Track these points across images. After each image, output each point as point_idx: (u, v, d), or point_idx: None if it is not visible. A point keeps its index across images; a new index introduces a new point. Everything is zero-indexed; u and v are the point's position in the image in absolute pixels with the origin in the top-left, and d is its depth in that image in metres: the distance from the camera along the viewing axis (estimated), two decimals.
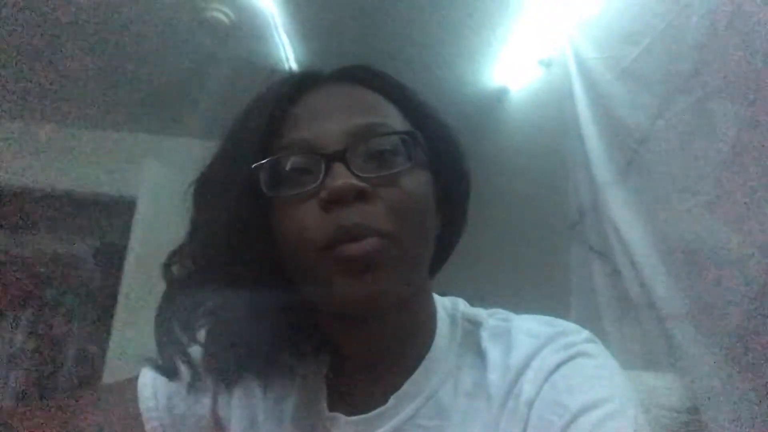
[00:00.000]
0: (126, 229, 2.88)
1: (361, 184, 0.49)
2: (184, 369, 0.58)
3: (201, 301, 0.56)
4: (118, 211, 3.05)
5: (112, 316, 2.76)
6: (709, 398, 1.05)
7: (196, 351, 0.58)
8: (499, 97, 2.61)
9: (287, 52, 2.27)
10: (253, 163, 0.52)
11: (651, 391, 1.01)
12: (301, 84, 0.58)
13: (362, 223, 0.48)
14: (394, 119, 0.57)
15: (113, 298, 2.83)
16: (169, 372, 0.58)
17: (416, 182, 0.53)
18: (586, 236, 1.62)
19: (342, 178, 0.48)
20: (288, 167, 0.52)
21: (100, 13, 2.10)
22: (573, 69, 1.79)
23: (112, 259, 3.22)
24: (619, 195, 1.47)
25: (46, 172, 2.97)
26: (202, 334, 0.57)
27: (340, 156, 0.50)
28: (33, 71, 2.55)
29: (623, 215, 1.43)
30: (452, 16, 2.11)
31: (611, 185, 1.50)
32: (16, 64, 2.48)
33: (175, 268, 0.57)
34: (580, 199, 1.68)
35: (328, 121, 0.53)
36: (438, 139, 0.59)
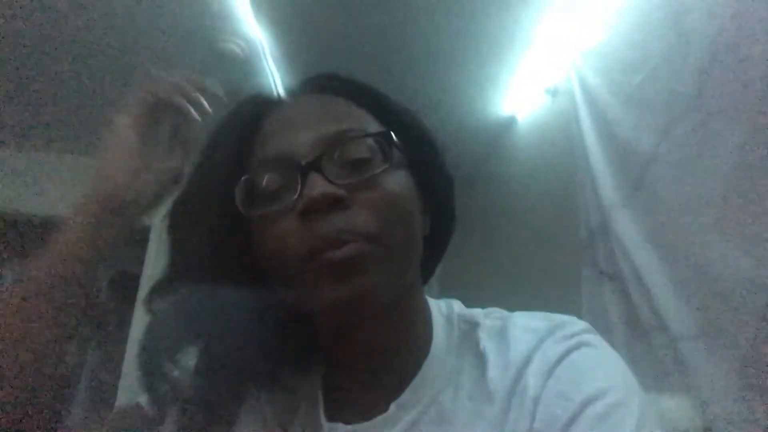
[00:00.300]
0: (140, 258, 2.90)
1: (339, 191, 0.48)
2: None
3: (186, 329, 0.54)
4: (132, 240, 3.07)
5: (125, 345, 2.77)
6: (721, 420, 1.04)
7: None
8: (507, 125, 2.64)
9: (276, 81, 2.30)
10: (226, 185, 0.51)
11: (663, 414, 1.00)
12: (269, 100, 0.58)
13: (343, 229, 0.47)
14: (367, 123, 0.55)
15: (126, 326, 2.84)
16: (158, 403, 0.55)
17: (395, 182, 0.52)
18: (596, 259, 1.63)
19: (318, 187, 0.47)
20: (263, 184, 0.51)
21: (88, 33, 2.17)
22: (579, 96, 1.83)
23: (126, 287, 3.24)
24: (627, 217, 1.48)
25: (63, 199, 3.02)
26: (188, 364, 0.55)
27: (315, 165, 0.49)
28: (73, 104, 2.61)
29: (632, 237, 1.44)
30: (459, 47, 2.15)
31: (619, 208, 1.52)
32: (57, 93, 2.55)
33: (156, 303, 0.55)
34: (589, 223, 1.69)
35: (298, 132, 0.52)
36: (414, 138, 0.58)
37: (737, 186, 1.09)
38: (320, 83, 0.60)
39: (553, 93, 2.18)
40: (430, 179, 0.58)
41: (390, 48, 2.12)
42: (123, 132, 0.61)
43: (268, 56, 2.18)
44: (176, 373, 0.54)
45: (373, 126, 0.56)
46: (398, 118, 0.58)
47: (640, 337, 1.33)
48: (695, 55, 1.24)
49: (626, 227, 1.47)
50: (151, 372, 0.53)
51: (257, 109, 0.57)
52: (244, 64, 2.11)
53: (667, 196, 1.32)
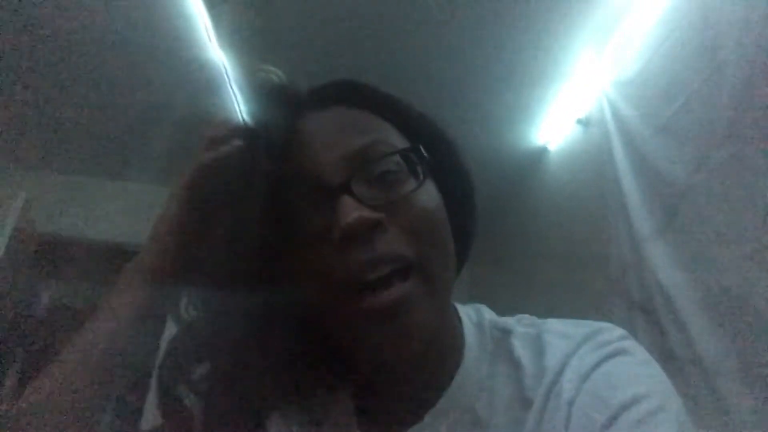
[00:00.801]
0: None
1: (374, 215, 0.45)
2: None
3: (205, 346, 0.53)
4: None
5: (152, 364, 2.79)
6: None
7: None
8: (539, 155, 2.64)
9: (239, 106, 2.26)
10: (254, 202, 0.49)
11: None
12: (290, 113, 0.55)
13: (385, 252, 0.45)
14: (391, 136, 0.53)
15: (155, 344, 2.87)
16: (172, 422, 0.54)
17: (428, 200, 0.50)
18: (629, 292, 1.60)
19: (352, 212, 0.45)
20: (292, 209, 0.49)
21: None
22: (611, 127, 1.82)
23: None
24: (661, 249, 1.45)
25: (97, 224, 3.11)
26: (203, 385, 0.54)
27: (345, 188, 0.46)
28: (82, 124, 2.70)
29: (666, 269, 1.41)
30: (492, 76, 2.18)
31: (652, 240, 1.49)
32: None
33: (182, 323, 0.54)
34: (621, 255, 1.66)
35: (325, 151, 0.49)
36: (437, 149, 0.56)
37: None
38: (339, 94, 0.56)
39: (585, 123, 2.17)
40: (454, 191, 0.56)
41: (422, 75, 2.14)
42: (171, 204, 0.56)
43: (232, 81, 2.18)
44: (191, 394, 0.53)
45: (397, 138, 0.54)
46: (419, 127, 0.57)
47: (674, 372, 1.29)
48: (730, 85, 1.23)
49: (660, 259, 1.45)
50: (167, 392, 0.52)
51: (284, 120, 0.54)
52: (208, 90, 2.12)
53: (703, 228, 1.29)
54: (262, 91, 0.57)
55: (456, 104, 2.28)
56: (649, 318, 1.47)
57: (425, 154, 0.51)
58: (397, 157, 0.50)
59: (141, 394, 0.58)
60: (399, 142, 0.53)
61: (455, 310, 0.60)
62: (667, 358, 1.33)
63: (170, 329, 0.57)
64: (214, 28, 2.01)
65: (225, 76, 2.18)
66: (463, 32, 1.95)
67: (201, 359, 0.53)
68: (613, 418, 0.43)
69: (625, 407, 0.43)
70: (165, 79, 2.21)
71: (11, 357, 3.11)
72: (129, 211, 2.97)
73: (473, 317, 0.60)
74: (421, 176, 0.50)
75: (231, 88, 2.22)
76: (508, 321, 0.59)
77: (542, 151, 2.62)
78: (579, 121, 2.21)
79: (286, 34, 2.07)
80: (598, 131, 1.98)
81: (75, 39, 2.15)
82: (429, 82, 2.17)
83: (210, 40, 2.06)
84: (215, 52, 2.11)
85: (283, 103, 0.55)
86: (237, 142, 0.54)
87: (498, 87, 2.24)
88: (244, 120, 0.57)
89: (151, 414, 0.58)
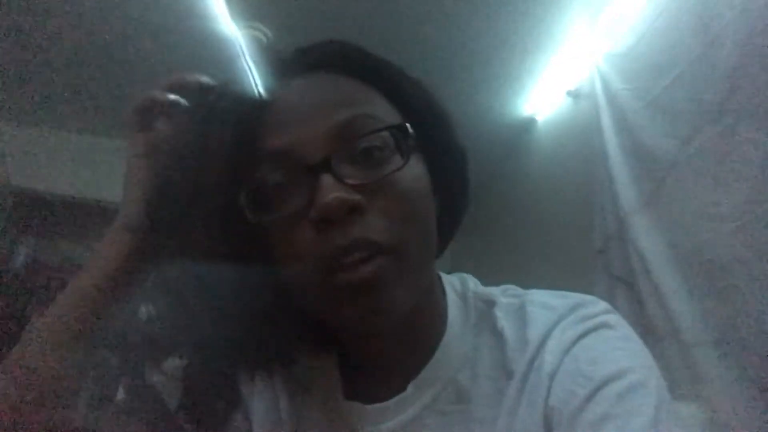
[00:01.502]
0: None
1: (354, 198, 0.44)
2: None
3: (180, 333, 0.53)
4: None
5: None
6: (732, 429, 1.03)
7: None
8: (527, 126, 2.63)
9: (256, 81, 2.26)
10: (227, 183, 0.47)
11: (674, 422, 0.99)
12: (266, 82, 0.53)
13: (360, 237, 0.44)
14: (379, 108, 0.50)
15: (135, 310, 2.85)
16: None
17: (412, 180, 0.48)
18: (611, 264, 1.62)
19: (331, 191, 0.43)
20: (269, 184, 0.47)
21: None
22: (601, 100, 1.81)
23: None
24: (645, 223, 1.47)
25: (75, 180, 3.05)
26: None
27: (325, 166, 0.45)
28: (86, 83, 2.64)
29: (649, 243, 1.43)
30: (481, 46, 2.15)
31: (637, 213, 1.51)
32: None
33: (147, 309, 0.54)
34: (605, 227, 1.68)
35: (305, 125, 0.47)
36: (431, 123, 0.54)
37: (761, 194, 1.07)
38: (326, 58, 0.53)
39: (575, 95, 2.16)
40: (442, 159, 0.55)
41: (410, 41, 2.11)
42: (131, 161, 0.55)
43: (246, 55, 2.15)
44: (163, 372, 0.53)
45: (386, 110, 0.51)
46: (412, 99, 0.54)
47: (653, 344, 1.32)
48: (723, 61, 1.22)
49: (644, 232, 1.46)
50: (139, 383, 0.53)
51: (257, 98, 0.52)
52: (225, 64, 2.10)
53: (688, 203, 1.30)
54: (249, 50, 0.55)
55: (444, 71, 2.25)
56: (629, 290, 1.49)
57: (411, 132, 0.49)
58: (384, 133, 0.48)
59: (123, 358, 0.57)
60: (388, 114, 0.51)
61: (440, 280, 0.59)
62: (645, 330, 1.36)
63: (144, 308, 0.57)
64: (226, 2, 1.96)
65: (240, 51, 2.14)
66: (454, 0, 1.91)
67: (177, 332, 0.53)
68: (594, 392, 0.44)
69: (605, 381, 0.44)
70: (178, 54, 2.16)
71: None
72: (109, 167, 2.91)
73: (457, 287, 0.60)
74: (407, 155, 0.48)
75: (246, 62, 2.19)
76: (492, 291, 0.59)
77: (530, 122, 2.62)
78: (569, 93, 2.20)
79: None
80: (587, 104, 1.97)
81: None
82: (417, 48, 2.13)
83: (223, 14, 2.00)
84: (228, 27, 2.05)
85: (267, 68, 0.53)
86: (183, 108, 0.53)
87: (488, 55, 2.21)
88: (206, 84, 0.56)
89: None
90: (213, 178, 0.48)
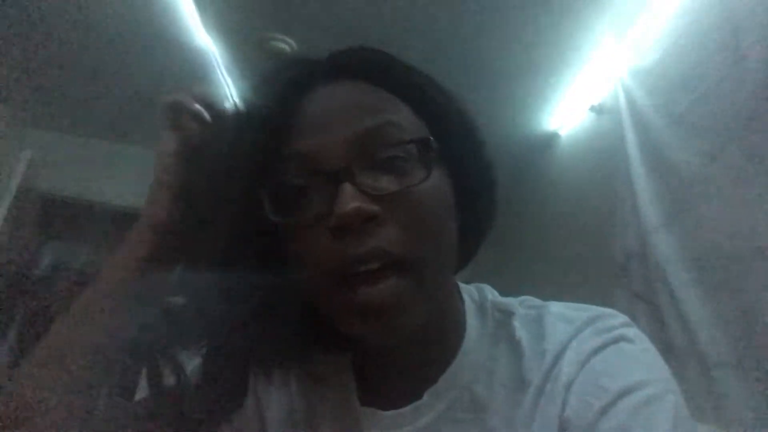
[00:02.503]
0: None
1: (372, 208, 0.44)
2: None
3: (201, 317, 0.52)
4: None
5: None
6: None
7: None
8: (549, 142, 2.62)
9: (231, 91, 2.27)
10: (252, 178, 0.48)
11: None
12: (297, 85, 0.52)
13: (376, 248, 0.44)
14: (404, 118, 0.50)
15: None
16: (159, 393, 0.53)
17: (433, 193, 0.48)
18: (632, 281, 1.59)
19: (350, 200, 0.43)
20: (290, 187, 0.47)
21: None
22: (625, 115, 1.80)
23: None
24: (667, 240, 1.44)
25: (102, 186, 3.10)
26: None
27: (346, 174, 0.45)
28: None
29: (671, 261, 1.41)
30: (507, 61, 2.16)
31: (659, 230, 1.48)
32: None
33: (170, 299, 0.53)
34: (627, 244, 1.65)
35: (328, 131, 0.47)
36: (459, 138, 0.54)
37: None
38: (353, 65, 0.54)
39: (599, 111, 2.14)
40: (467, 173, 0.54)
41: (436, 56, 2.11)
42: (160, 160, 0.55)
43: (221, 66, 2.18)
44: (183, 364, 0.53)
45: (411, 121, 0.51)
46: (438, 107, 0.54)
47: (673, 364, 1.29)
48: (750, 79, 1.21)
49: (666, 250, 1.44)
50: (156, 363, 0.52)
51: (284, 99, 0.51)
52: (200, 75, 2.15)
53: (712, 221, 1.28)
54: (276, 61, 0.55)
55: (469, 85, 2.22)
56: (650, 308, 1.47)
57: (435, 146, 0.48)
58: (408, 144, 0.48)
59: (140, 358, 0.57)
60: (413, 125, 0.50)
61: (458, 289, 0.59)
62: (666, 349, 1.33)
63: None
64: (199, 13, 2.00)
65: (214, 62, 2.18)
66: (481, 14, 1.91)
67: (195, 325, 0.52)
68: (611, 405, 0.43)
69: (622, 394, 0.43)
70: (153, 67, 2.20)
71: (11, 316, 3.13)
72: (134, 174, 2.95)
73: (476, 297, 0.60)
74: (429, 168, 0.47)
75: (221, 73, 2.22)
76: (511, 302, 0.59)
77: (553, 137, 2.60)
78: (592, 108, 2.18)
79: (281, 13, 2.04)
80: (611, 119, 1.96)
81: (62, 27, 2.16)
82: (442, 62, 2.12)
83: (196, 26, 2.06)
84: (203, 38, 2.10)
85: (294, 75, 0.53)
86: (211, 121, 0.54)
87: (513, 70, 2.21)
88: (231, 100, 0.56)
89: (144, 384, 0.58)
90: (240, 177, 0.49)
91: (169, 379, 0.52)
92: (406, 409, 0.53)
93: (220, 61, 2.19)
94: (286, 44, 2.02)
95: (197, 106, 0.53)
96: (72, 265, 3.59)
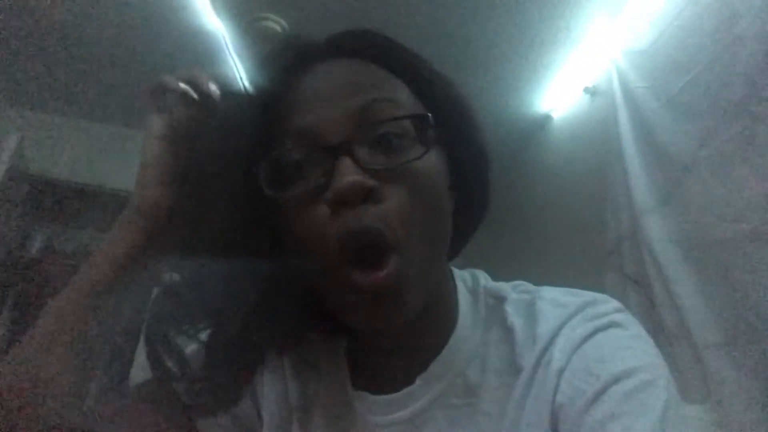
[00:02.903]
0: None
1: (370, 182, 0.44)
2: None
3: (199, 300, 0.52)
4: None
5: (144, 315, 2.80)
6: (743, 430, 1.02)
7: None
8: (542, 123, 2.61)
9: (240, 73, 2.25)
10: (248, 156, 0.48)
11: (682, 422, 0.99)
12: (296, 63, 0.53)
13: (371, 226, 0.44)
14: (402, 96, 0.51)
15: (147, 295, 2.87)
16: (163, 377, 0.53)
17: (430, 171, 0.49)
18: (623, 263, 1.60)
19: (348, 174, 0.44)
20: (290, 161, 0.48)
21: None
22: (618, 97, 1.79)
23: None
24: (659, 222, 1.45)
25: (92, 168, 3.06)
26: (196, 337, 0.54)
27: (345, 149, 0.45)
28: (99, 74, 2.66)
29: (662, 243, 1.42)
30: (499, 42, 2.14)
31: (651, 212, 1.49)
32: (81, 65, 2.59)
33: (168, 275, 0.54)
34: (618, 226, 1.66)
35: (327, 106, 0.48)
36: (453, 118, 0.54)
37: None
38: (354, 45, 0.54)
39: (592, 92, 2.14)
40: (463, 156, 0.55)
41: (428, 34, 2.10)
42: (148, 143, 0.54)
43: (231, 49, 2.15)
44: (182, 346, 0.53)
45: (408, 99, 0.52)
46: (435, 89, 0.54)
47: (664, 345, 1.31)
48: (743, 62, 1.21)
49: (657, 232, 1.45)
50: (157, 346, 0.52)
51: (284, 74, 0.52)
52: (209, 58, 2.11)
53: (703, 203, 1.29)
54: (265, 42, 0.55)
55: (461, 66, 2.23)
56: (641, 290, 1.48)
57: (433, 123, 0.49)
58: (406, 121, 0.48)
59: (133, 342, 0.57)
60: (410, 103, 0.51)
61: (451, 274, 0.59)
62: (656, 330, 1.35)
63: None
64: None
65: (224, 45, 2.14)
66: None
67: (193, 309, 0.53)
68: (602, 390, 0.43)
69: (614, 380, 0.44)
70: (163, 49, 2.16)
71: (2, 299, 3.12)
72: (125, 156, 2.93)
73: (469, 283, 0.60)
74: (427, 145, 0.48)
75: (231, 56, 2.19)
76: (503, 287, 0.59)
77: (546, 118, 2.59)
78: (586, 90, 2.17)
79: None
80: (604, 100, 1.95)
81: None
82: (434, 43, 2.11)
83: (207, 9, 2.01)
84: (213, 21, 2.06)
85: (290, 53, 0.54)
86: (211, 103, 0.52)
87: (505, 50, 2.19)
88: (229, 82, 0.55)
89: (141, 369, 0.57)
90: (235, 154, 0.49)
91: (170, 362, 0.52)
92: (399, 394, 0.53)
93: (229, 43, 2.15)
94: (277, 24, 2.00)
95: (183, 86, 0.52)
96: (63, 249, 3.57)
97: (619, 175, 1.68)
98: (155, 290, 0.54)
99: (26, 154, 2.80)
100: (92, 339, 0.49)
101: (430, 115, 0.49)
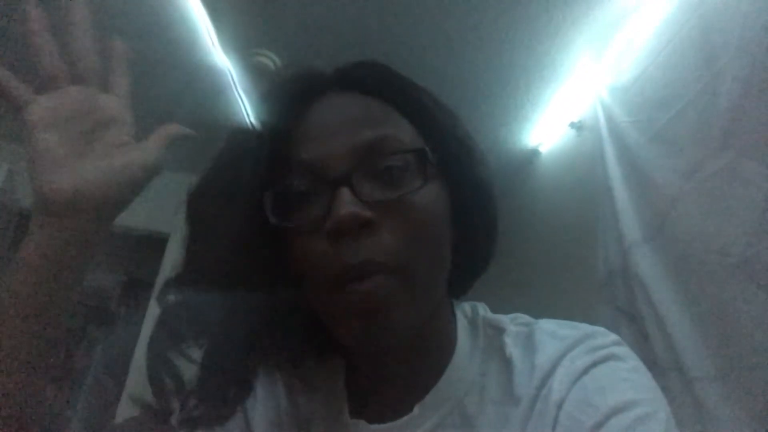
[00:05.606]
0: (155, 266, 2.88)
1: (367, 214, 0.45)
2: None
3: (199, 321, 0.53)
4: (149, 247, 3.08)
5: (132, 352, 2.75)
6: None
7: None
8: (531, 157, 2.65)
9: (246, 109, 2.30)
10: (254, 186, 0.50)
11: None
12: (306, 94, 0.54)
13: (369, 259, 0.45)
14: (404, 132, 0.52)
15: (136, 334, 2.83)
16: (162, 412, 0.52)
17: (428, 203, 0.49)
18: (614, 297, 1.61)
19: (347, 205, 0.45)
20: (293, 192, 0.49)
21: None
22: (604, 132, 1.83)
23: (138, 294, 3.24)
24: (649, 256, 1.46)
25: None
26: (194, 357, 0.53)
27: (345, 180, 0.46)
28: None
29: (652, 276, 1.42)
30: (487, 78, 2.19)
31: (641, 246, 1.50)
32: None
33: (171, 297, 0.54)
34: (609, 260, 1.67)
35: (331, 140, 0.49)
36: (455, 151, 0.55)
37: (763, 228, 1.07)
38: (361, 78, 0.56)
39: (579, 127, 2.18)
40: (465, 192, 0.55)
41: (417, 71, 2.13)
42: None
43: (238, 85, 2.19)
44: (182, 365, 0.53)
45: (410, 134, 0.53)
46: (439, 125, 0.55)
47: (656, 377, 1.30)
48: (726, 95, 1.24)
49: (647, 265, 1.46)
50: (157, 364, 0.52)
51: (292, 106, 0.53)
52: (214, 95, 2.13)
53: (692, 236, 1.30)
54: (258, 77, 0.57)
55: (449, 101, 2.26)
56: (633, 323, 1.48)
57: (431, 156, 0.50)
58: (407, 154, 0.50)
59: (118, 381, 0.56)
60: (412, 138, 0.52)
61: (451, 304, 0.60)
62: (649, 363, 1.33)
63: (154, 308, 0.56)
64: (216, 33, 2.00)
65: (231, 81, 2.18)
66: (462, 32, 1.94)
67: (193, 328, 0.53)
68: (601, 423, 0.44)
69: (613, 413, 0.44)
70: (170, 86, 2.18)
71: None
72: None
73: (468, 313, 0.60)
74: (425, 177, 0.49)
75: (237, 92, 2.22)
76: (502, 319, 0.59)
77: (533, 153, 2.63)
78: (572, 125, 2.21)
79: (286, 33, 2.06)
80: (590, 135, 1.99)
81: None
82: (422, 78, 2.14)
83: (214, 45, 2.05)
84: (220, 57, 2.11)
85: (299, 84, 0.56)
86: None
87: (493, 86, 2.24)
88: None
89: (127, 406, 0.56)
90: (243, 182, 0.50)
91: (168, 379, 0.52)
92: (396, 423, 0.53)
93: (236, 79, 2.19)
94: (269, 59, 2.03)
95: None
96: None
97: (608, 208, 1.70)
98: (159, 311, 0.54)
99: (16, 187, 2.79)
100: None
101: (428, 149, 0.51)
